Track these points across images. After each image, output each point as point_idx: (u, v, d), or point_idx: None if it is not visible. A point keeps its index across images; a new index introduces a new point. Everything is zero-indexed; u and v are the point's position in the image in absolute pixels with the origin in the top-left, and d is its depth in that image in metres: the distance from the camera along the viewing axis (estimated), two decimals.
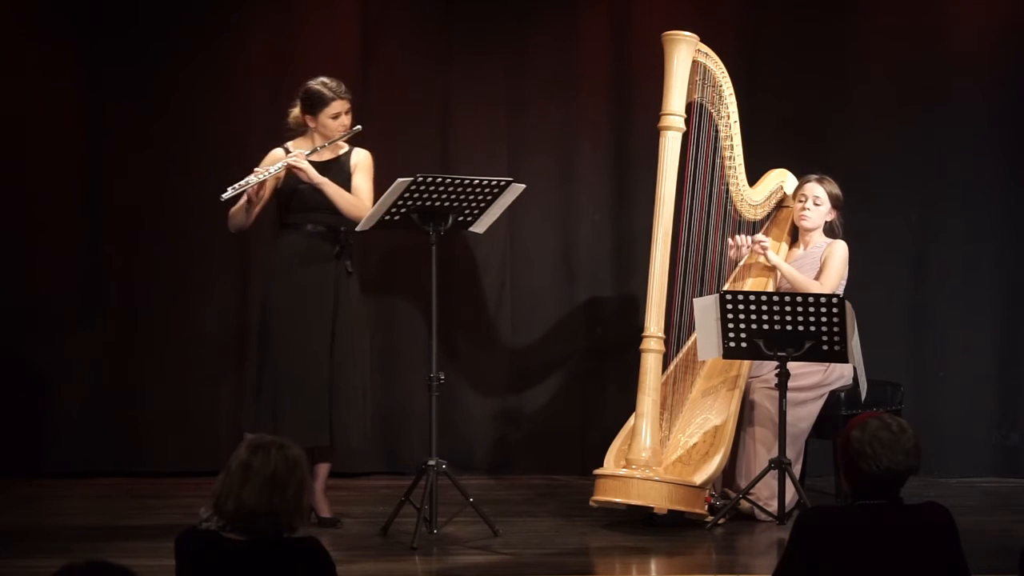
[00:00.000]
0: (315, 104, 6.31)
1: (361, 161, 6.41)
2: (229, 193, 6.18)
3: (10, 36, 7.51)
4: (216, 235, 7.39)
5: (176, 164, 7.53)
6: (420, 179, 6.05)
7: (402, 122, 7.54)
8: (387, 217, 6.16)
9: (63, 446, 7.49)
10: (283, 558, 3.57)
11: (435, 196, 6.11)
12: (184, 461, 7.48)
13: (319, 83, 6.32)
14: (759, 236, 6.80)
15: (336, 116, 6.30)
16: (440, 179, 6.11)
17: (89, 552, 5.66)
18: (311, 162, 6.27)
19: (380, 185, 6.31)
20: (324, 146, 6.31)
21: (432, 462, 6.12)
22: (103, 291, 7.55)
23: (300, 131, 6.39)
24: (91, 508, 6.85)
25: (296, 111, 6.38)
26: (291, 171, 6.25)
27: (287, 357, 6.25)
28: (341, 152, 6.40)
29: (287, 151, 6.33)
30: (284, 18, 7.59)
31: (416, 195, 6.08)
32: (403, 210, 6.14)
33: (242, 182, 6.18)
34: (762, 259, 6.79)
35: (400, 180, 6.04)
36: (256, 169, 6.25)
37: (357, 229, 6.26)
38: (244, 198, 6.25)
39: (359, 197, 6.33)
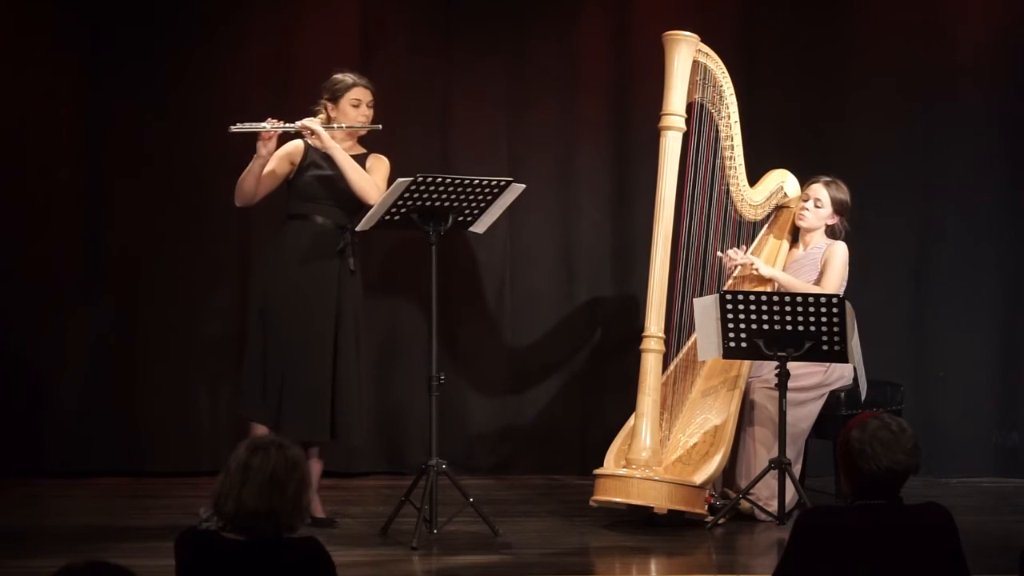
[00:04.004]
0: (337, 91, 6.30)
1: (378, 164, 6.37)
2: (238, 127, 6.12)
3: (10, 35, 7.50)
4: (217, 234, 7.40)
5: (176, 163, 7.52)
6: (420, 179, 6.04)
7: (402, 122, 7.52)
8: (387, 217, 6.15)
9: (63, 446, 7.48)
10: (283, 558, 3.56)
11: (435, 196, 6.10)
12: (184, 461, 7.48)
13: (342, 72, 6.35)
14: (751, 258, 6.77)
15: (356, 104, 6.29)
16: (440, 179, 6.10)
17: (89, 552, 5.65)
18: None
19: None
20: (341, 126, 6.26)
21: (432, 462, 6.11)
22: (103, 291, 7.55)
23: None
24: (91, 508, 6.84)
25: (320, 107, 6.33)
26: (304, 135, 6.21)
27: (290, 350, 6.21)
28: (358, 153, 6.35)
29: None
30: (284, 18, 7.59)
31: (416, 195, 6.08)
32: (403, 210, 6.13)
33: (255, 123, 6.13)
34: (755, 274, 6.77)
35: (400, 180, 6.03)
36: (270, 118, 6.20)
37: (357, 229, 6.25)
38: (255, 163, 6.17)
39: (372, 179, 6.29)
